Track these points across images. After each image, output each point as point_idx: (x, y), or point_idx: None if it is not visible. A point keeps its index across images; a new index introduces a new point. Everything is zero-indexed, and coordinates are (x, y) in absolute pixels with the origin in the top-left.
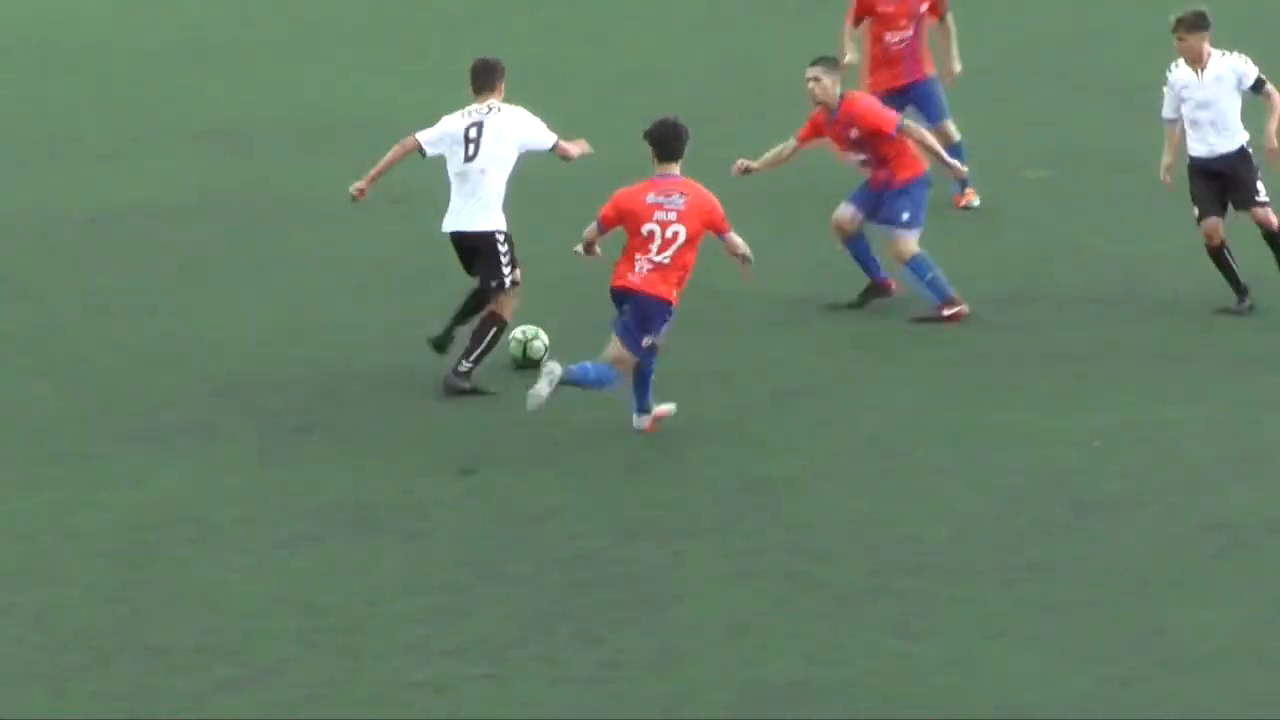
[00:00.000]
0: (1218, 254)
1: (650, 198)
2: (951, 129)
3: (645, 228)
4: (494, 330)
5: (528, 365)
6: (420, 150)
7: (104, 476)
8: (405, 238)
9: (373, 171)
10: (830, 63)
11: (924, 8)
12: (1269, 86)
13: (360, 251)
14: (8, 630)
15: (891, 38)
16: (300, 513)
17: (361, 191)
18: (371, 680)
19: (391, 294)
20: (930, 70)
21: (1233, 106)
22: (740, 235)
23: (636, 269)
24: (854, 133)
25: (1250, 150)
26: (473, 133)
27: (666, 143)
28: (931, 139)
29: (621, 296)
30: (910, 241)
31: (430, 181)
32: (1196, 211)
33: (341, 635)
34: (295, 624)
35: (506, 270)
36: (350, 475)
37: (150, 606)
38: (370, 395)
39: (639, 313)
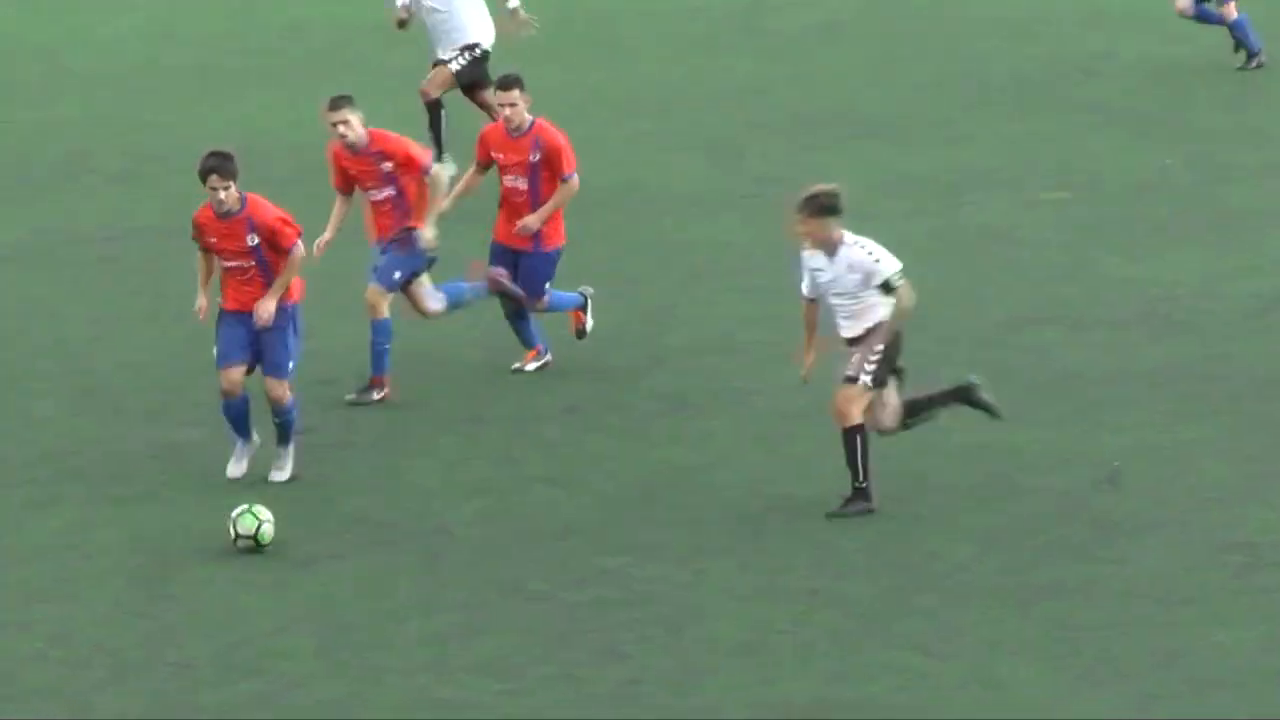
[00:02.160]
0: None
1: None
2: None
3: None
4: None
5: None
6: None
7: (123, 494)
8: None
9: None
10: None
11: (535, 158)
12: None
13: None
14: (29, 647)
15: (508, 181)
16: (322, 531)
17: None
18: (394, 697)
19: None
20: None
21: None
22: None
23: None
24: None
25: None
26: None
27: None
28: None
29: None
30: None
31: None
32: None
33: (363, 652)
34: (317, 640)
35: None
36: (370, 495)
37: (172, 622)
38: (389, 416)
39: None
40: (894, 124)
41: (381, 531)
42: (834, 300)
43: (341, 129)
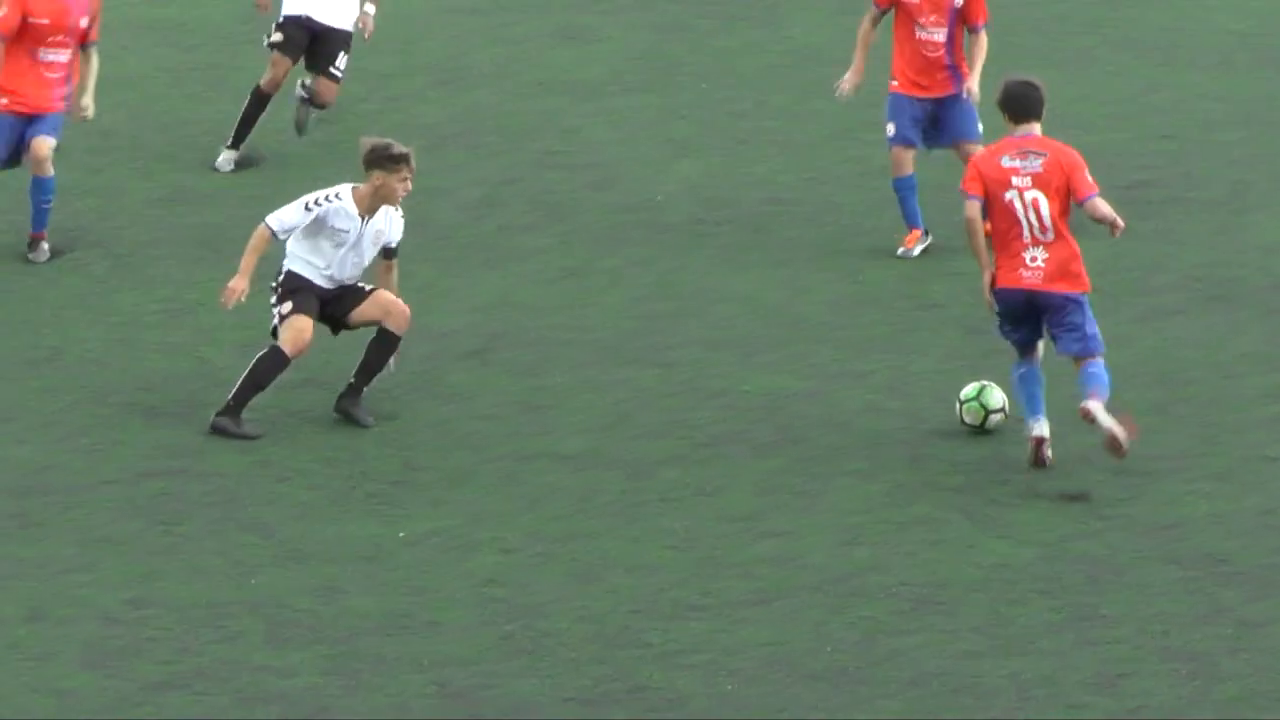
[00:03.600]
0: None
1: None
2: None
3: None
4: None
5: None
6: None
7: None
8: None
9: None
10: None
11: (959, 3)
12: None
13: None
14: (863, 399)
15: (924, 33)
16: (1158, 286)
17: None
18: (1228, 453)
19: None
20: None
21: None
22: None
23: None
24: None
25: None
26: None
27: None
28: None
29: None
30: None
31: None
32: None
33: (1199, 408)
34: (1154, 396)
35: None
36: (1212, 249)
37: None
38: (1232, 171)
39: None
40: None
41: (1222, 286)
42: None
43: None
